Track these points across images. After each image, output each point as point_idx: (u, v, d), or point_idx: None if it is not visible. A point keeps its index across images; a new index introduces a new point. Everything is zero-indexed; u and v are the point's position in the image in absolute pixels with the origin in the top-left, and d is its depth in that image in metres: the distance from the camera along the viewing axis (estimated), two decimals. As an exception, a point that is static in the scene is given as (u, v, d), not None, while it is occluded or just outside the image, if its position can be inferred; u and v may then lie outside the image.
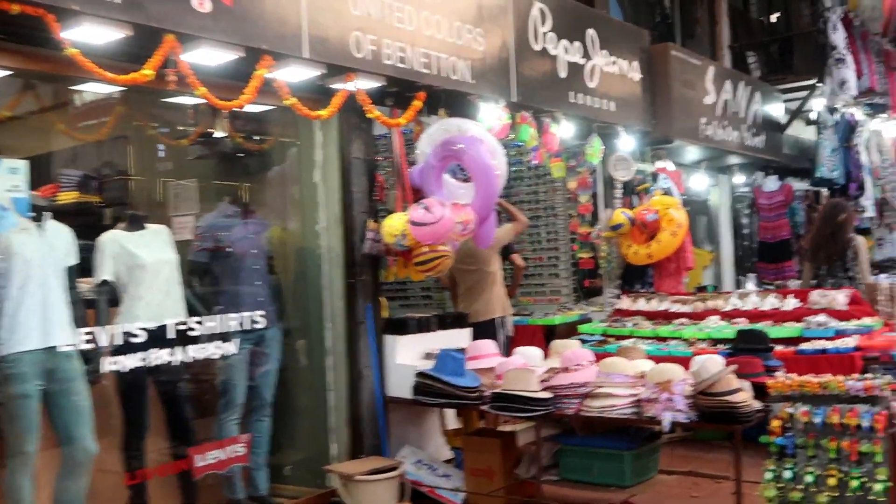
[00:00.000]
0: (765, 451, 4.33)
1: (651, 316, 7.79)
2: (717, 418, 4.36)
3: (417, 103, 5.47)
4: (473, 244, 7.01)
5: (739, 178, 10.77)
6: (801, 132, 11.76)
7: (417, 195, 5.62)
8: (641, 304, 7.97)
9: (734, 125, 9.41)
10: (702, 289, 9.07)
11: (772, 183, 10.93)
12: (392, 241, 5.31)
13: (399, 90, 5.50)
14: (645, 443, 5.19)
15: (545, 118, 6.69)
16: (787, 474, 4.35)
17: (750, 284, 9.38)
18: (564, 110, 6.80)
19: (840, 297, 7.00)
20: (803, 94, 10.85)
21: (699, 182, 9.82)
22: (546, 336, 7.90)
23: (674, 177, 8.10)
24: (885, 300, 7.04)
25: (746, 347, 4.97)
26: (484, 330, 7.04)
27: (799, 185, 11.61)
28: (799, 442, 4.37)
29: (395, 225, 5.30)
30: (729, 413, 4.31)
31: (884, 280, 7.53)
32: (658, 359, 6.74)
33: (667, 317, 7.70)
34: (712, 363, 4.44)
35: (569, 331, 7.88)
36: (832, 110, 10.44)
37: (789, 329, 6.71)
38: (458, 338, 6.08)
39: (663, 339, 7.22)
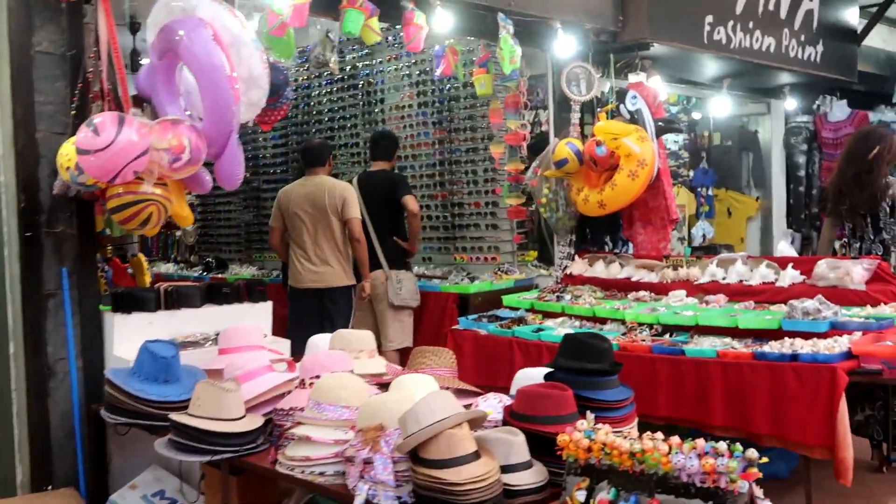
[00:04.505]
0: None
1: (607, 285, 5.71)
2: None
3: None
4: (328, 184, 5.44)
5: (791, 104, 8.20)
6: (891, 44, 8.98)
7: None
8: (599, 269, 5.89)
9: (770, 29, 6.92)
10: (708, 248, 6.76)
11: (839, 110, 8.33)
12: (66, 176, 3.51)
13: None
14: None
15: (406, 2, 4.65)
16: None
17: (783, 245, 6.96)
18: (441, -8, 4.73)
19: (857, 271, 4.72)
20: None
21: (721, 107, 7.40)
22: (461, 308, 5.95)
23: (648, 97, 5.82)
24: (925, 277, 4.65)
25: (570, 367, 2.89)
26: (335, 300, 5.42)
27: (887, 116, 8.92)
28: (585, 560, 2.34)
29: (67, 153, 3.50)
30: (443, 500, 2.31)
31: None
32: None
33: (625, 288, 5.61)
34: (433, 402, 2.43)
35: (492, 301, 5.89)
36: (928, 11, 7.70)
37: (763, 318, 4.51)
38: (248, 316, 4.27)
39: (602, 321, 5.17)
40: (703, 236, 7.86)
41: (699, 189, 7.96)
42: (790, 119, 8.51)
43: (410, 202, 5.84)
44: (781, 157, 8.56)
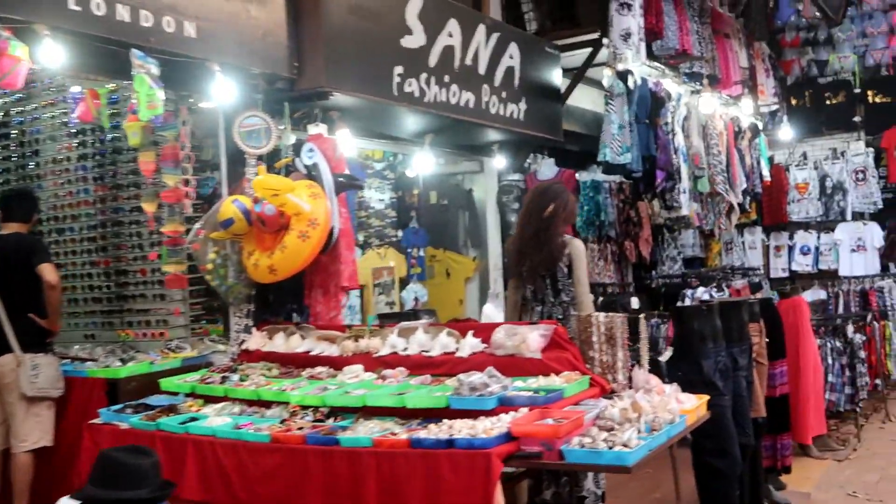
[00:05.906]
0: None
1: (286, 361, 5.05)
2: None
3: None
4: None
5: (501, 162, 8.08)
6: (598, 105, 9.18)
7: None
8: (278, 343, 5.22)
9: (468, 85, 6.68)
10: (404, 315, 6.28)
11: (547, 169, 8.35)
12: None
13: None
14: None
15: None
16: None
17: (489, 307, 6.64)
18: (45, 20, 3.93)
19: (533, 337, 4.36)
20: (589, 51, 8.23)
21: (425, 164, 7.09)
22: (110, 395, 5.04)
23: (327, 150, 5.31)
24: (600, 343, 4.38)
25: (97, 498, 2.18)
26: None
27: (599, 176, 9.09)
28: None
29: None
30: None
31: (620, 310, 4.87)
32: (229, 450, 4.05)
33: (305, 363, 4.98)
34: None
35: (152, 386, 5.03)
36: (623, 75, 7.82)
37: (432, 395, 4.05)
38: None
39: (267, 405, 4.50)
40: (416, 300, 7.45)
41: (410, 250, 7.57)
42: (503, 177, 8.39)
43: (47, 272, 4.92)
44: (496, 215, 8.41)
